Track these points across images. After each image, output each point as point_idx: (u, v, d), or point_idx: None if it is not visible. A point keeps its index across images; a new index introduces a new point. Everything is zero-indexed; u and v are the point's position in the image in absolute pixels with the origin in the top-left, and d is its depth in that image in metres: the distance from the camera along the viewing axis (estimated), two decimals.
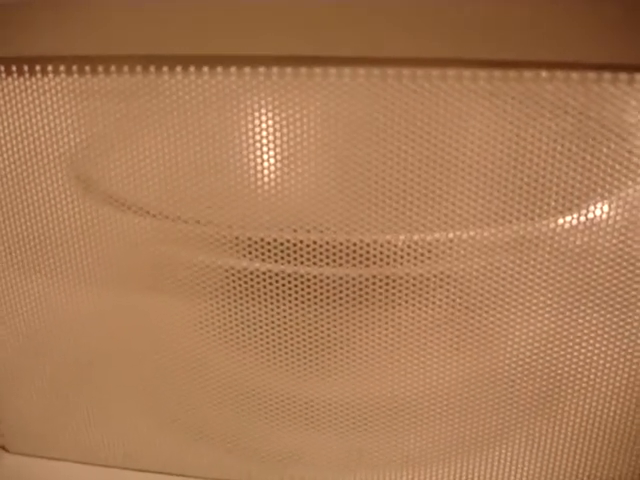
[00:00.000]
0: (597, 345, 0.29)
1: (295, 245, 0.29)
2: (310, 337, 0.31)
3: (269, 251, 0.29)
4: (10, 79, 0.28)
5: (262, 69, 0.26)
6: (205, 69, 0.26)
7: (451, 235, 0.28)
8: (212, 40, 0.25)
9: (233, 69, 0.26)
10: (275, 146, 0.28)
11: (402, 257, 0.28)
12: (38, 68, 0.28)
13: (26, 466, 0.38)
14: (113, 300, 0.34)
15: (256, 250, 0.29)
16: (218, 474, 0.36)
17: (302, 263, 0.29)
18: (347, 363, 0.31)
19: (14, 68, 0.28)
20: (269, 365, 0.32)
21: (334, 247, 0.28)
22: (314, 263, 0.29)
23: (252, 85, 0.26)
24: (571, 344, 0.29)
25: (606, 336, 0.29)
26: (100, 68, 0.27)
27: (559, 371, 0.30)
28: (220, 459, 0.36)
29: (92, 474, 0.37)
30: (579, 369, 0.29)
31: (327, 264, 0.29)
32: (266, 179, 0.28)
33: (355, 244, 0.28)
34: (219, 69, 0.26)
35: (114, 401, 0.37)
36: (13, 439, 0.38)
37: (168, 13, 0.25)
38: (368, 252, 0.28)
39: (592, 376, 0.30)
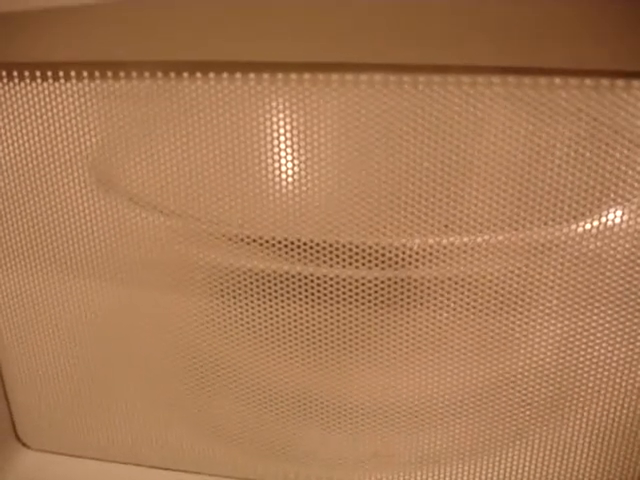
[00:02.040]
0: (610, 349, 0.29)
1: (312, 247, 0.29)
2: (327, 338, 0.31)
3: (286, 253, 0.29)
4: (34, 84, 0.29)
5: (280, 75, 0.26)
6: (224, 75, 0.27)
7: (465, 239, 0.28)
8: (231, 46, 0.26)
9: (252, 75, 0.26)
10: (292, 150, 0.28)
11: (417, 260, 0.28)
12: (61, 74, 0.28)
13: (46, 462, 0.38)
14: (132, 298, 0.35)
15: (273, 252, 0.30)
16: (233, 472, 0.36)
17: (319, 265, 0.29)
18: (364, 364, 0.32)
19: (37, 73, 0.29)
20: (286, 365, 0.32)
21: (350, 250, 0.29)
22: (331, 265, 0.29)
23: (270, 91, 0.27)
24: (584, 347, 0.29)
25: (619, 340, 0.29)
26: (122, 73, 0.27)
27: (572, 373, 0.30)
28: (235, 457, 0.36)
29: (109, 471, 0.38)
30: (592, 372, 0.30)
31: (343, 267, 0.29)
32: (283, 182, 0.29)
33: (371, 247, 0.28)
34: (238, 75, 0.26)
35: (131, 399, 0.37)
36: (33, 436, 0.39)
37: (188, 19, 0.25)
38: (384, 255, 0.29)
39: (605, 379, 0.30)
